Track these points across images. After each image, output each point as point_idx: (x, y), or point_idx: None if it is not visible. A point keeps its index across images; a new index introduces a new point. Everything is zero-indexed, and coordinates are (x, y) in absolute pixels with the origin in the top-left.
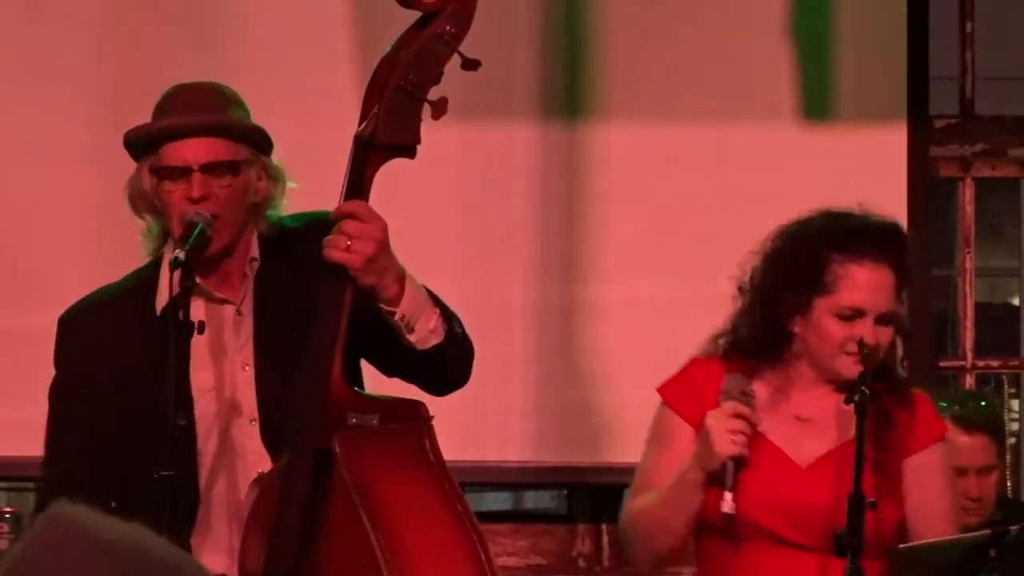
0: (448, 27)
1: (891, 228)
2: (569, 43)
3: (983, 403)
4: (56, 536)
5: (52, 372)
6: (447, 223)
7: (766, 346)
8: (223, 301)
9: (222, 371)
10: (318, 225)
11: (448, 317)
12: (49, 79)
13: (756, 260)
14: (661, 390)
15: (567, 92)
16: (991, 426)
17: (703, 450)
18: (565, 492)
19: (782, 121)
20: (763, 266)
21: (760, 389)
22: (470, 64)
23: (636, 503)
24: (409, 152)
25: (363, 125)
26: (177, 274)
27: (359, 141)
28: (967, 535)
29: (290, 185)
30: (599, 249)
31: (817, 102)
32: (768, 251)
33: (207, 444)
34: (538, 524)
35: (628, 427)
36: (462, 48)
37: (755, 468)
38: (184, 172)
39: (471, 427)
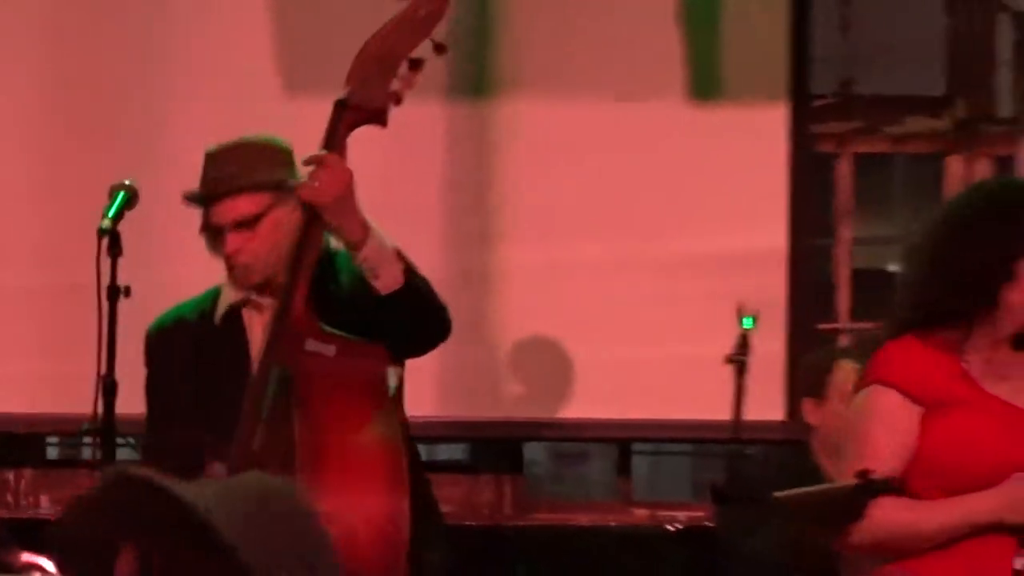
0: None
1: None
2: (477, 30)
3: None
4: (125, 486)
5: None
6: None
7: (971, 309)
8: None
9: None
10: None
11: (413, 273)
12: None
13: (934, 227)
14: (881, 377)
15: (475, 72)
16: None
17: (1013, 505)
18: (469, 445)
19: (673, 100)
20: (954, 232)
21: (975, 361)
22: (440, 48)
23: (889, 514)
24: (379, 117)
25: (345, 91)
26: (105, 241)
27: (336, 104)
28: (837, 484)
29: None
30: (502, 222)
31: (705, 82)
32: (958, 217)
33: None
34: (445, 474)
35: (529, 385)
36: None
37: None
38: (219, 231)
39: None
